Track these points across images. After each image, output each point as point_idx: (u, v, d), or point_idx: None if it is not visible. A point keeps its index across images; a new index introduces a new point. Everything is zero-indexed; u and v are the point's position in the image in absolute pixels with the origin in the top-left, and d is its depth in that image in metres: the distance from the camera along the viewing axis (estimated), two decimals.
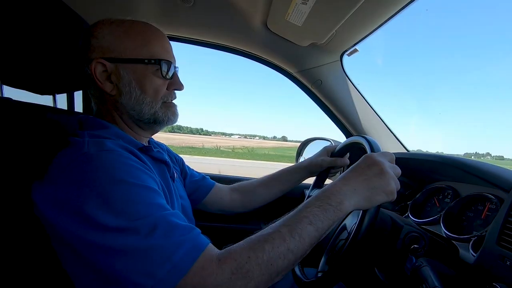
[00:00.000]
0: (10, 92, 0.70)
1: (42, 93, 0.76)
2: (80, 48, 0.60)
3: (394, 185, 0.50)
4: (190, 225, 0.46)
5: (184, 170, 0.85)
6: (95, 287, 0.48)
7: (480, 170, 0.68)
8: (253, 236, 0.46)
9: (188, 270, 0.40)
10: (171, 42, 0.66)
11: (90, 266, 0.44)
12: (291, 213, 0.49)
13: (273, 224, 0.47)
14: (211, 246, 0.45)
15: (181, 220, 0.46)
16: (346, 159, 0.84)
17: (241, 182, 0.93)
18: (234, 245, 0.45)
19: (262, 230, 0.47)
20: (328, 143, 1.24)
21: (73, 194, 0.43)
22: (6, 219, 0.51)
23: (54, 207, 0.43)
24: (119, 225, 0.41)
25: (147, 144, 0.64)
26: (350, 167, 0.53)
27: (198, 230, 0.47)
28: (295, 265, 0.46)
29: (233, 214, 0.91)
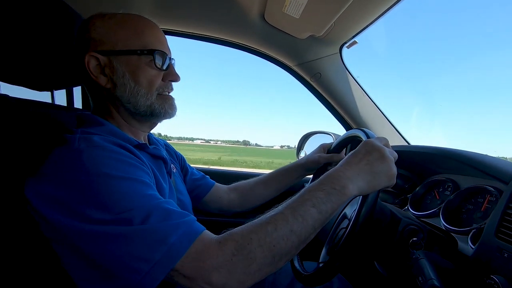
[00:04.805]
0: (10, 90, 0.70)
1: (40, 89, 0.76)
2: (75, 43, 0.59)
3: (395, 169, 0.51)
4: (185, 212, 0.46)
5: (184, 167, 0.86)
6: (93, 281, 0.48)
7: (480, 162, 0.67)
8: (255, 220, 0.46)
9: (184, 253, 0.40)
10: (167, 36, 0.65)
11: (86, 258, 0.44)
12: (294, 197, 0.48)
13: (276, 208, 0.47)
14: (207, 231, 0.45)
15: (175, 207, 0.46)
16: (342, 154, 0.83)
17: (239, 182, 0.93)
18: (235, 228, 0.45)
19: (264, 214, 0.47)
20: (328, 137, 1.23)
21: (64, 190, 0.43)
22: (1, 216, 0.51)
23: (48, 203, 0.44)
24: (110, 218, 0.41)
25: (143, 141, 0.64)
26: (351, 152, 0.53)
27: (194, 217, 0.47)
28: (299, 249, 0.46)
29: (232, 213, 0.92)
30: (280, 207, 0.47)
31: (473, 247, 0.55)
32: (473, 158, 0.70)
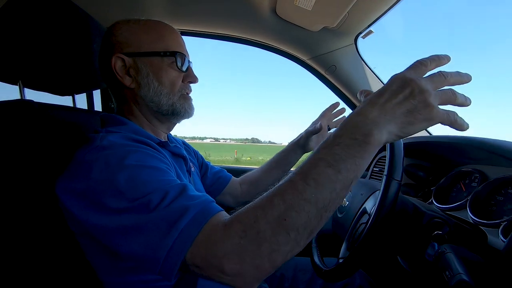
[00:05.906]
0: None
1: (62, 94, 0.80)
2: (99, 48, 0.62)
3: (436, 102, 0.38)
4: (202, 194, 0.45)
5: (204, 164, 0.89)
6: (115, 274, 0.50)
7: (509, 150, 0.63)
8: (263, 194, 0.40)
9: (194, 238, 0.38)
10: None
11: (107, 252, 0.46)
12: (305, 160, 0.40)
13: (286, 176, 0.40)
14: (222, 213, 0.42)
15: (191, 191, 0.45)
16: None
17: (245, 174, 0.97)
18: (242, 208, 0.40)
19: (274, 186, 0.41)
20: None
21: (87, 185, 0.45)
22: (33, 214, 0.54)
23: (74, 198, 0.46)
24: (128, 206, 0.42)
25: (165, 140, 0.66)
26: (376, 91, 0.41)
27: (211, 198, 0.44)
28: (321, 219, 0.37)
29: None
30: (290, 174, 0.40)
31: (505, 240, 0.52)
32: (502, 146, 0.66)
